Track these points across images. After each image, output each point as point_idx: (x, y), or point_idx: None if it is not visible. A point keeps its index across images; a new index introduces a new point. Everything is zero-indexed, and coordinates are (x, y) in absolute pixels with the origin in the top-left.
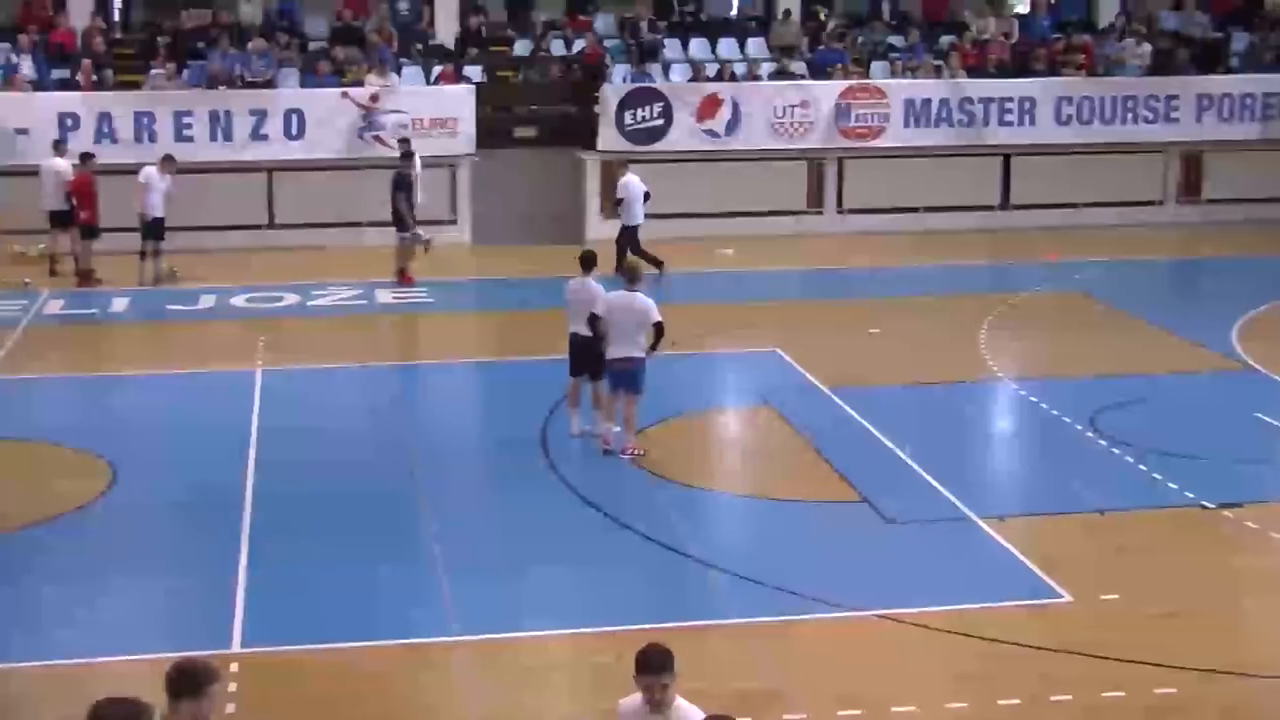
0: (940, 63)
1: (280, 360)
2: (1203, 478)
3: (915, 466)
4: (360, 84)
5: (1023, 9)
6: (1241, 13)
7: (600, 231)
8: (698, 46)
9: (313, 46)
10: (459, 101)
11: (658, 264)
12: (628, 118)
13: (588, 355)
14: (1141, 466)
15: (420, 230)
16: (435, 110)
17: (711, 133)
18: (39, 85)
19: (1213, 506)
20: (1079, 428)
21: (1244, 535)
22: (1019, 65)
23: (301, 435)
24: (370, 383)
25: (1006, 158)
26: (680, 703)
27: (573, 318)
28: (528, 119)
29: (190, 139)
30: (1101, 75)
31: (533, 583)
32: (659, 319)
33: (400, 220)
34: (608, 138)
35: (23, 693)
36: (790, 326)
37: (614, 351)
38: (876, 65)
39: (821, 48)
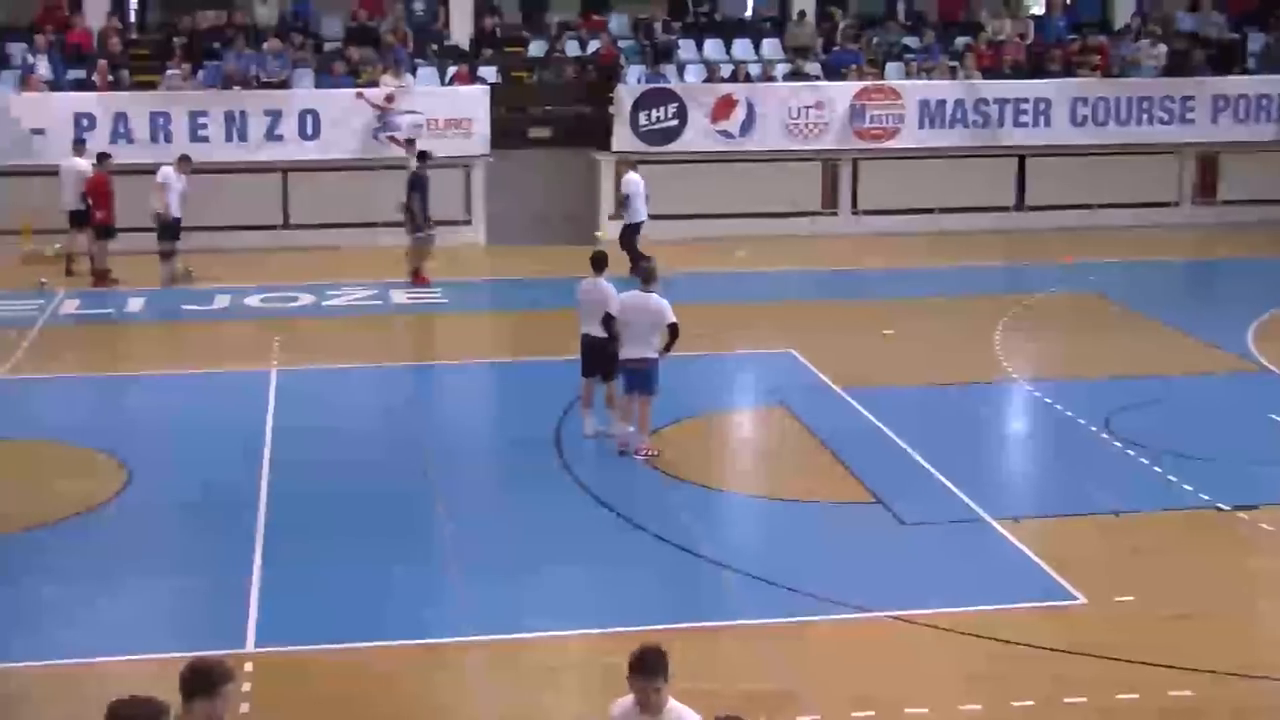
0: (955, 64)
1: (295, 360)
2: (1218, 479)
3: (929, 468)
4: (375, 84)
5: (1038, 10)
6: (1258, 13)
7: (615, 232)
8: (712, 47)
9: (328, 47)
10: (474, 102)
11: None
12: (642, 118)
13: (600, 356)
14: (1156, 468)
15: (421, 234)
16: (450, 111)
17: (726, 133)
18: (55, 85)
19: (1228, 508)
20: (1094, 429)
21: (1259, 537)
22: (1034, 66)
23: (316, 435)
24: (385, 383)
25: (1021, 159)
26: (674, 705)
27: (584, 319)
28: (542, 119)
29: (205, 139)
30: (1117, 76)
31: (546, 583)
32: (673, 320)
33: (414, 220)
34: (622, 138)
35: (36, 691)
36: (805, 327)
37: (627, 352)
38: (891, 66)
39: (836, 49)
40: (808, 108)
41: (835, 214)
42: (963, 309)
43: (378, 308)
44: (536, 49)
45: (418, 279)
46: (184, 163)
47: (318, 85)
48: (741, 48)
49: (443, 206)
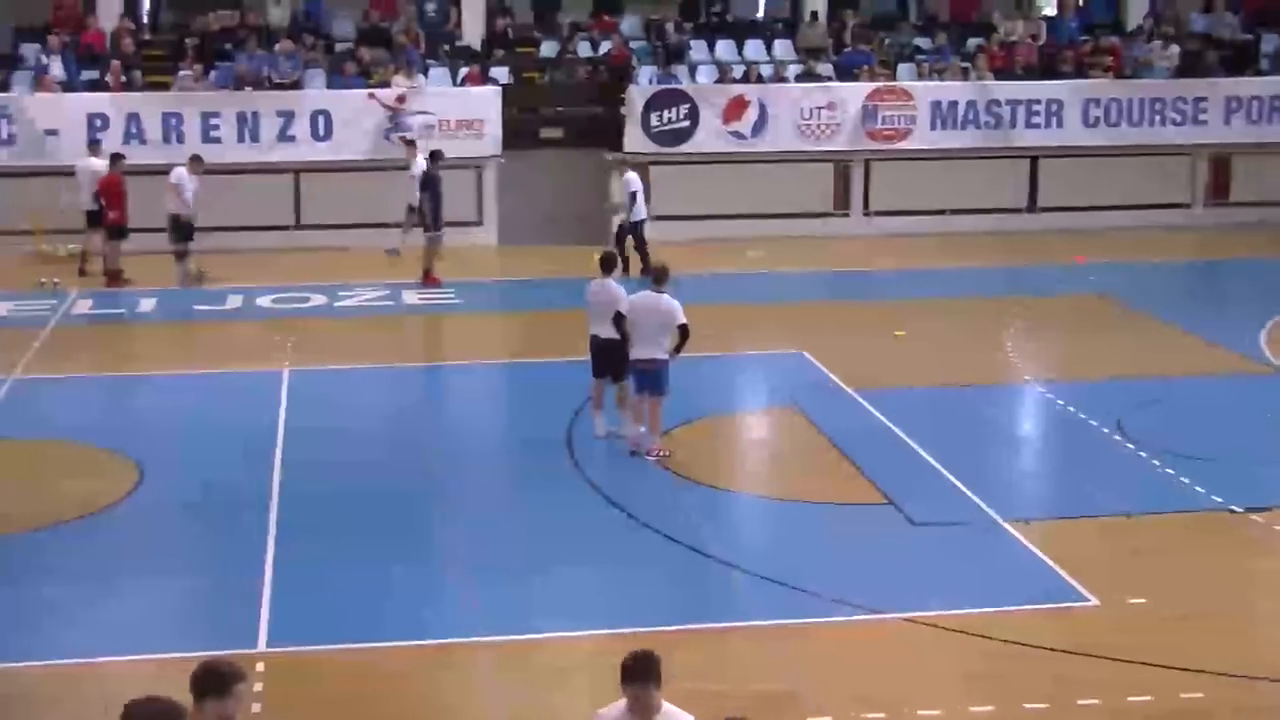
0: (967, 65)
1: (307, 360)
2: (1230, 481)
3: (940, 469)
4: (387, 85)
5: (1050, 11)
6: (1271, 14)
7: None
8: (724, 48)
9: (339, 48)
10: (485, 103)
11: (624, 267)
12: (654, 119)
13: (609, 357)
14: (1168, 470)
15: (432, 234)
16: (462, 111)
17: (738, 134)
18: (68, 86)
19: (1240, 510)
20: (1105, 431)
21: (1271, 539)
22: (1046, 67)
23: (327, 436)
24: (396, 383)
25: (1033, 160)
26: (669, 709)
27: (593, 319)
28: (554, 120)
29: (218, 140)
30: (1129, 77)
31: (556, 584)
32: (684, 321)
33: (425, 220)
34: (634, 139)
35: (47, 691)
36: (815, 328)
37: (637, 353)
38: (903, 67)
39: (848, 49)
40: (819, 109)
41: (847, 215)
42: (974, 310)
43: (389, 308)
44: (548, 50)
45: (429, 279)
46: (196, 163)
47: (329, 86)
48: (753, 48)
49: (454, 207)
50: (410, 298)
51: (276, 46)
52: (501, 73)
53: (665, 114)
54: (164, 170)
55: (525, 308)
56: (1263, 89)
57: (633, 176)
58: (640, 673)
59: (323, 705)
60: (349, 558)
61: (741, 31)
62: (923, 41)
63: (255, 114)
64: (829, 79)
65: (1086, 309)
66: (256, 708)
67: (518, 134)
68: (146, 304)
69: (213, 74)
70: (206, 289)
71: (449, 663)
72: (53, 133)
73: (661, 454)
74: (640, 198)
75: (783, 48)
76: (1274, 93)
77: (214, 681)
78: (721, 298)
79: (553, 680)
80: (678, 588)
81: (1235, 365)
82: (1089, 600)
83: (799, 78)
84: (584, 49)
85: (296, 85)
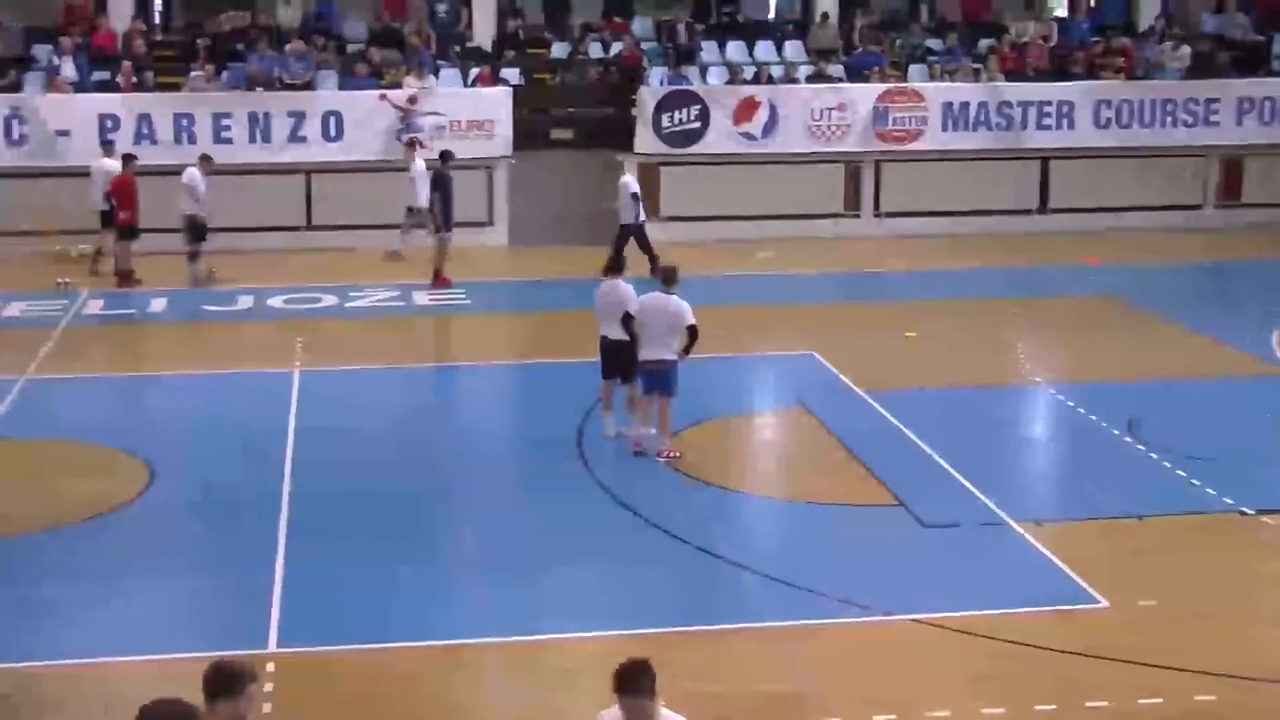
0: (978, 66)
1: (318, 361)
2: (1240, 483)
3: (950, 470)
4: (398, 86)
5: (1061, 12)
6: None
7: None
8: (735, 49)
9: (351, 49)
10: (496, 104)
11: (617, 267)
12: (665, 120)
13: (619, 358)
14: (1178, 471)
15: (441, 234)
16: (473, 112)
17: (748, 135)
18: (80, 87)
19: (1251, 512)
20: (1116, 432)
21: None
22: (1057, 69)
23: (338, 436)
24: (406, 384)
25: (1045, 161)
26: (665, 713)
27: (602, 320)
28: (565, 121)
29: (229, 140)
30: (1140, 79)
31: (565, 584)
32: (693, 322)
33: (436, 221)
34: (645, 140)
35: (59, 692)
36: (826, 329)
37: (646, 354)
38: (914, 68)
39: (859, 50)
40: (830, 110)
41: (857, 216)
42: (985, 311)
43: (400, 309)
44: (559, 51)
45: (439, 280)
46: (205, 162)
47: (341, 87)
48: (764, 49)
49: (464, 208)
50: (420, 298)
51: (287, 47)
52: (512, 74)
53: (676, 115)
54: (175, 171)
55: (536, 308)
56: (1274, 90)
57: (629, 179)
58: (632, 686)
59: (333, 706)
60: (359, 558)
61: (752, 33)
62: (934, 43)
63: (266, 115)
64: (840, 80)
65: (1097, 310)
66: (267, 708)
67: (528, 135)
68: (157, 304)
69: (224, 75)
70: (217, 289)
71: (458, 663)
72: (64, 133)
73: (671, 455)
74: (639, 200)
75: (793, 49)
76: None
77: (226, 682)
78: (732, 299)
79: (561, 681)
80: (686, 588)
81: (1246, 366)
82: (1098, 602)
83: (810, 79)
84: (595, 50)
85: (308, 86)
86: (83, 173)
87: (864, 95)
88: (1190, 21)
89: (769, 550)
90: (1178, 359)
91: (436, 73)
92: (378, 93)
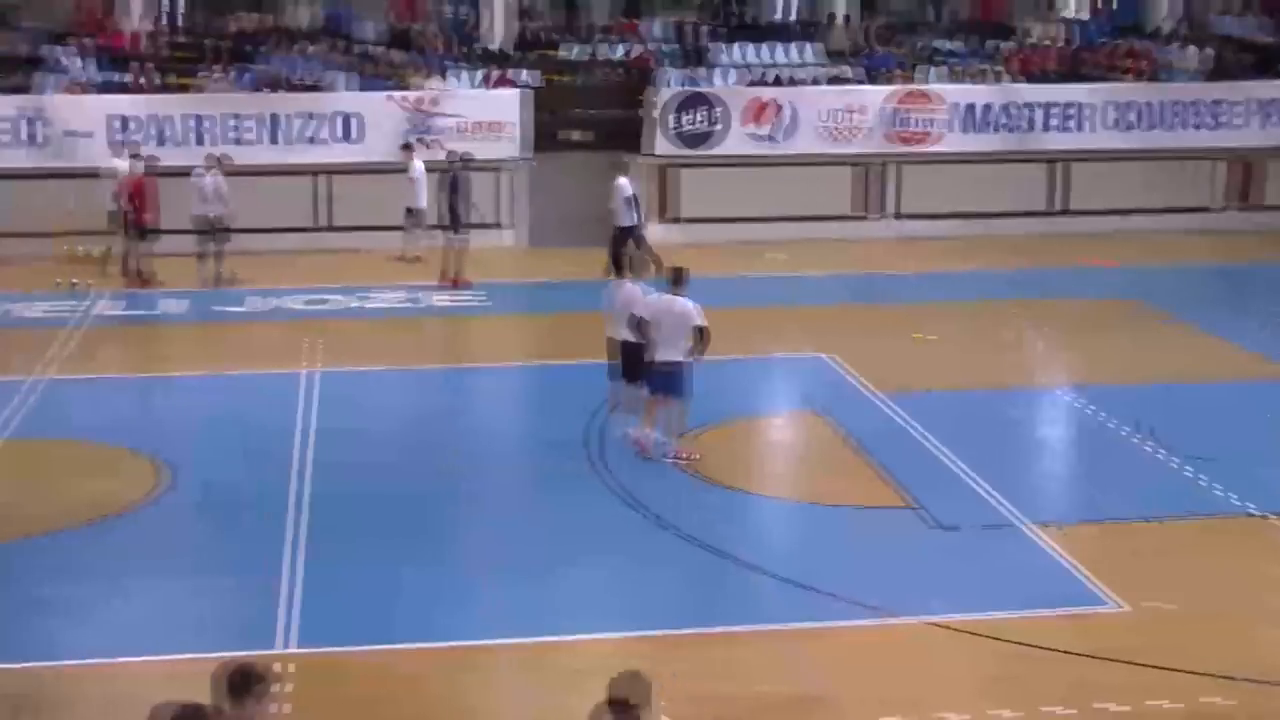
0: (993, 68)
1: (332, 362)
2: (1255, 486)
3: (964, 472)
4: (412, 87)
5: (1082, 14)
6: None
7: (651, 234)
8: (750, 51)
9: (363, 49)
10: (510, 105)
11: (617, 268)
12: (679, 122)
13: (626, 359)
14: (1192, 474)
15: (456, 235)
16: (487, 114)
17: (762, 137)
18: (94, 88)
19: (1265, 515)
20: (1129, 434)
21: None
22: (1072, 70)
23: (352, 437)
24: (420, 385)
25: (1059, 163)
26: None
27: (611, 322)
28: (580, 123)
29: (243, 142)
30: (1155, 80)
31: (576, 586)
32: (701, 323)
33: (455, 221)
34: (659, 142)
35: (74, 691)
36: (840, 331)
37: (655, 355)
38: (929, 70)
39: (873, 52)
40: (844, 111)
41: (872, 218)
42: (999, 313)
43: (415, 310)
44: (574, 52)
45: (458, 281)
46: (221, 161)
47: (354, 88)
48: (778, 52)
49: (479, 209)
50: (435, 299)
51: (301, 49)
52: (527, 76)
53: (690, 116)
54: (185, 172)
55: (550, 309)
56: None
57: (624, 182)
58: (622, 699)
59: (347, 706)
60: (371, 558)
61: (767, 34)
62: (948, 44)
63: (281, 116)
64: (855, 82)
65: (1111, 312)
66: (287, 709)
67: (543, 136)
68: (173, 305)
69: (239, 76)
70: (231, 290)
71: (469, 664)
72: (78, 134)
73: (683, 457)
74: (637, 202)
75: (808, 51)
76: None
77: (240, 683)
78: (746, 301)
79: (572, 682)
80: (697, 590)
81: (1261, 369)
82: (1111, 604)
83: (824, 81)
84: (609, 52)
85: (321, 87)
86: (96, 174)
87: (878, 97)
88: (1205, 23)
89: (780, 551)
90: (1192, 361)
91: (444, 74)
92: (396, 94)
